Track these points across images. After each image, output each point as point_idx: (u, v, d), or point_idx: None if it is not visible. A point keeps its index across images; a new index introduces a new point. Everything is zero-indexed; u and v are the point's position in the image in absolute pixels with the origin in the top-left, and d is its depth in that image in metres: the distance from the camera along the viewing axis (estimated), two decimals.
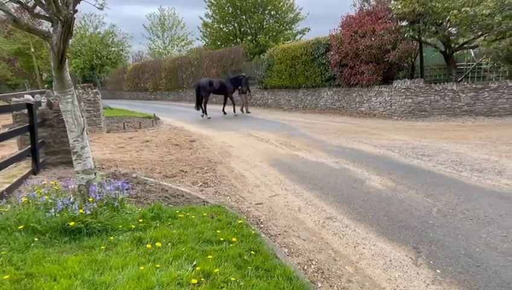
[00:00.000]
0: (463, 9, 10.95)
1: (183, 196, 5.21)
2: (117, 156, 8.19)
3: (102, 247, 3.23)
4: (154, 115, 16.06)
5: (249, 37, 26.75)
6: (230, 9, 27.52)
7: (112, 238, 3.42)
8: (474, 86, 12.23)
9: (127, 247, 3.24)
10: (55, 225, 3.48)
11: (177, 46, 42.00)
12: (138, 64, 36.37)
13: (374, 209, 4.68)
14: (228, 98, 16.82)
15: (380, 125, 11.67)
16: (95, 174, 4.22)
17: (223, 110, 16.99)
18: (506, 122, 10.98)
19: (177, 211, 4.15)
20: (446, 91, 12.32)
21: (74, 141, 4.06)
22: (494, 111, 11.89)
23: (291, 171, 6.68)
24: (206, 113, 15.88)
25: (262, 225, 4.37)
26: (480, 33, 12.19)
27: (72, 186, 4.18)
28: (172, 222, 3.89)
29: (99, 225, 3.54)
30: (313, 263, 3.49)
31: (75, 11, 3.64)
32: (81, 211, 3.57)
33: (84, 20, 39.42)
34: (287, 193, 5.50)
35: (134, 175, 6.32)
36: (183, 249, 3.21)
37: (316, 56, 16.19)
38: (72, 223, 3.45)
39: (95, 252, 3.14)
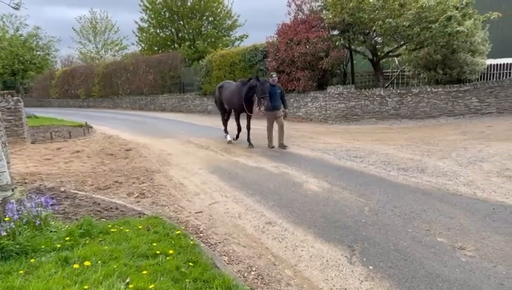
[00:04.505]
0: (387, 20, 11.85)
1: (117, 208, 4.92)
2: (43, 169, 7.53)
3: (20, 271, 2.92)
4: (86, 123, 15.06)
5: (187, 43, 26.33)
6: (167, 14, 26.96)
7: (32, 260, 3.10)
8: (399, 91, 13.26)
9: (51, 269, 2.96)
10: None
11: (111, 50, 39.99)
12: (68, 70, 33.93)
13: (311, 211, 4.81)
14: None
15: (316, 129, 12.13)
16: (13, 190, 3.82)
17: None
18: (427, 124, 12.04)
19: (110, 226, 3.91)
20: (375, 96, 13.20)
21: None
22: (417, 114, 12.98)
23: (232, 177, 6.65)
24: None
25: (201, 234, 4.27)
26: (402, 43, 13.30)
27: None
28: (104, 238, 3.65)
29: (18, 246, 3.20)
30: (253, 269, 3.47)
31: None
32: None
33: (3, 21, 35.93)
34: (227, 200, 5.45)
35: (62, 189, 5.85)
36: (115, 266, 3.01)
37: (254, 62, 16.43)
38: None
39: (11, 278, 2.82)
